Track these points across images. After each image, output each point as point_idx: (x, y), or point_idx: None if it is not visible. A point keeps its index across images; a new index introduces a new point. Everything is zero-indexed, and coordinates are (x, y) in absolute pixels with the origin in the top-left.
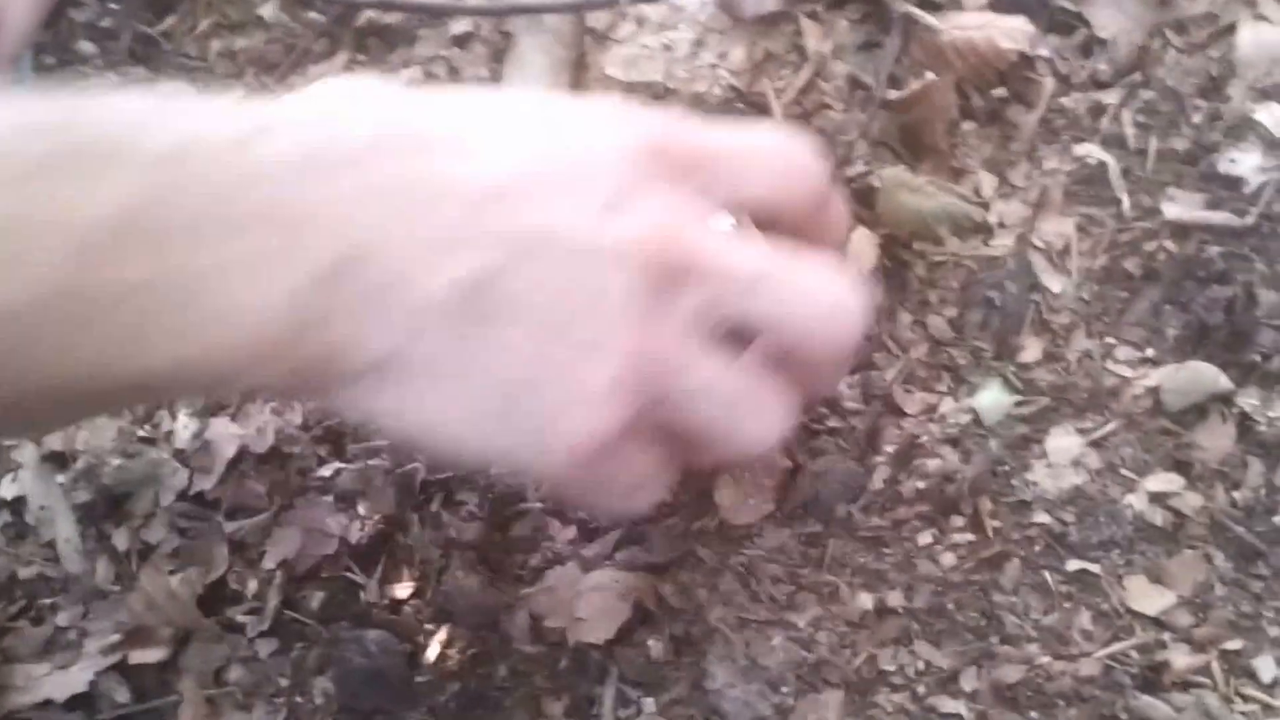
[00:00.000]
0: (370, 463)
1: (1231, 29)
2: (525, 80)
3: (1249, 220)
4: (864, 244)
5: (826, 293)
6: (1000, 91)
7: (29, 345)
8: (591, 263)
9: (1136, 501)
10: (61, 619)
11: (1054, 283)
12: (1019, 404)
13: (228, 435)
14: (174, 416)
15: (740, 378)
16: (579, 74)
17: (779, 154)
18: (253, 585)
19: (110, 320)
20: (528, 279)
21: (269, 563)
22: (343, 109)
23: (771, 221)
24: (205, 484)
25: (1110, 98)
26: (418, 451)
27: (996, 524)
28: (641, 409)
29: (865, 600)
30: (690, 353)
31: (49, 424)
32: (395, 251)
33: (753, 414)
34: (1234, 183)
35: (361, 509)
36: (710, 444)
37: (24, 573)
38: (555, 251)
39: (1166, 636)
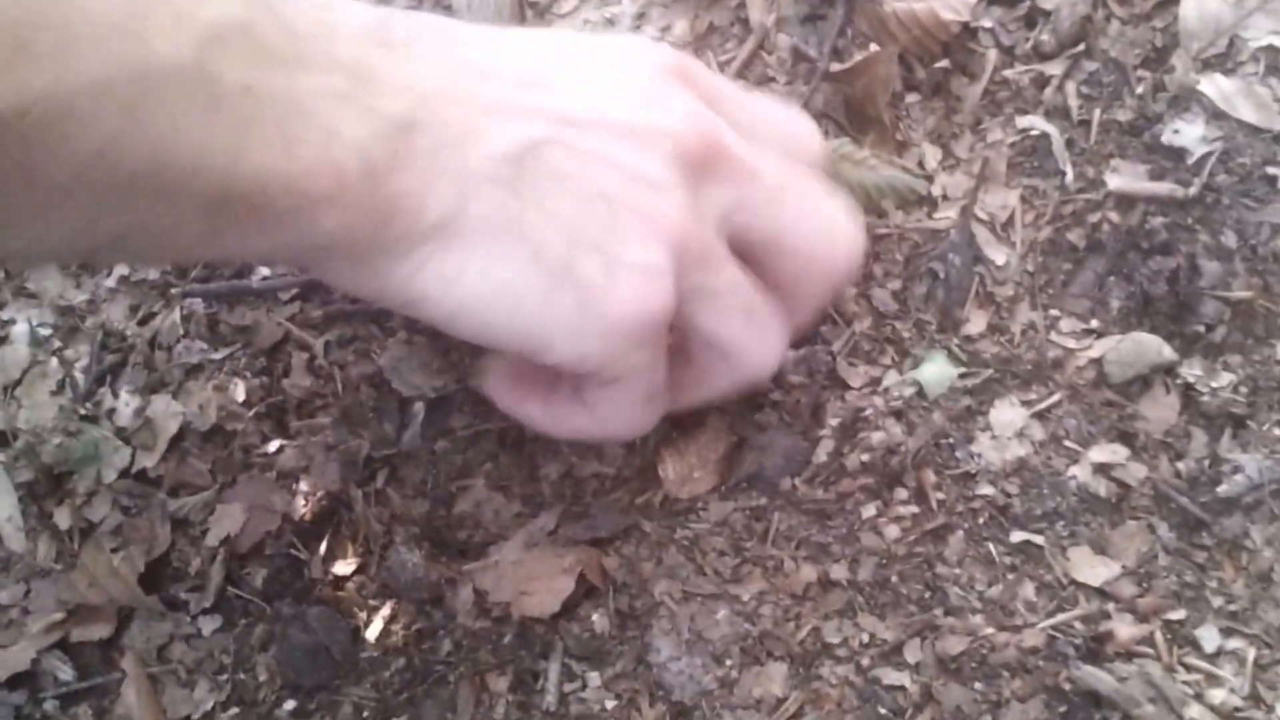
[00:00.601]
0: (314, 439)
1: (1175, 0)
2: None
3: (1192, 191)
4: None
5: (836, 215)
6: (943, 63)
7: (141, 119)
8: (636, 142)
9: (1080, 473)
10: (3, 597)
11: (998, 255)
12: (963, 376)
13: (170, 413)
14: (115, 394)
15: (754, 289)
16: None
17: (789, 121)
18: (196, 563)
19: (216, 113)
20: (575, 152)
21: (212, 540)
22: (395, 10)
23: None
24: (147, 462)
25: (1054, 69)
26: (461, 333)
27: (940, 496)
28: (678, 297)
29: (809, 573)
30: (720, 250)
31: (121, 236)
32: (451, 117)
33: (761, 329)
34: (1177, 153)
35: (305, 485)
36: (721, 358)
37: None
38: (600, 129)
39: (1110, 607)
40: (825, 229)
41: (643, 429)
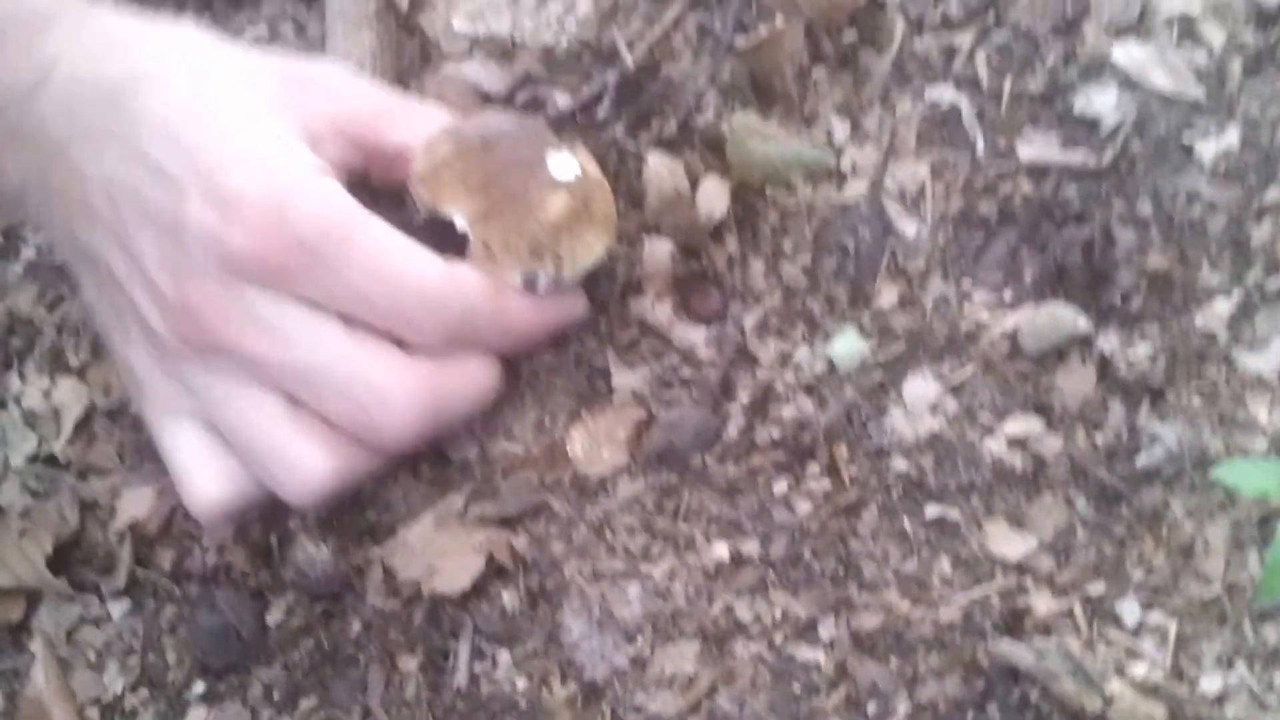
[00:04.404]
0: None
1: None
2: (345, 32)
3: (1106, 160)
4: (715, 192)
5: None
6: (850, 35)
7: None
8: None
9: (995, 446)
10: None
11: (908, 227)
12: (875, 350)
13: (76, 395)
14: (23, 378)
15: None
16: (389, 22)
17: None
18: (104, 545)
19: None
20: None
21: (120, 522)
22: None
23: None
24: (55, 445)
25: (963, 39)
26: None
27: (853, 471)
28: None
29: (721, 550)
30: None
31: None
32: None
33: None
34: (1090, 123)
35: None
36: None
37: None
38: None
39: (1028, 581)
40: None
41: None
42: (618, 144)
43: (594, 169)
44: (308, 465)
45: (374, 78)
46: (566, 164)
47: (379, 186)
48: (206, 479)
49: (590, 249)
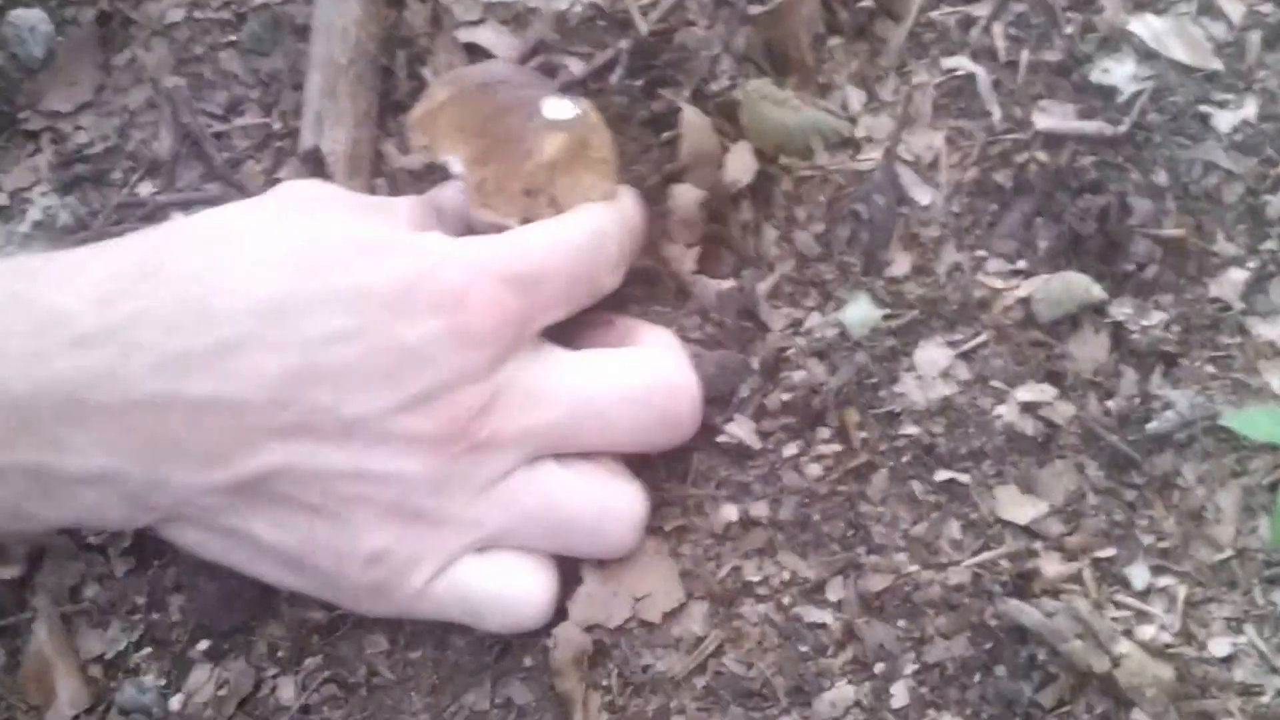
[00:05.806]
0: None
1: None
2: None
3: (1123, 129)
4: (742, 158)
5: None
6: (868, 4)
7: None
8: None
9: (1007, 412)
10: None
11: (923, 196)
12: (887, 317)
13: None
14: None
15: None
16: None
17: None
18: None
19: None
20: (303, 474)
21: None
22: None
23: None
24: None
25: (980, 10)
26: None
27: (864, 435)
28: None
29: (730, 512)
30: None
31: None
32: (160, 466)
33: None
34: (1107, 92)
35: None
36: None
37: None
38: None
39: (1037, 545)
40: None
41: None
42: (648, 101)
43: (594, 114)
44: (632, 500)
45: (357, 46)
46: (564, 106)
47: None
48: (535, 591)
49: (587, 192)
